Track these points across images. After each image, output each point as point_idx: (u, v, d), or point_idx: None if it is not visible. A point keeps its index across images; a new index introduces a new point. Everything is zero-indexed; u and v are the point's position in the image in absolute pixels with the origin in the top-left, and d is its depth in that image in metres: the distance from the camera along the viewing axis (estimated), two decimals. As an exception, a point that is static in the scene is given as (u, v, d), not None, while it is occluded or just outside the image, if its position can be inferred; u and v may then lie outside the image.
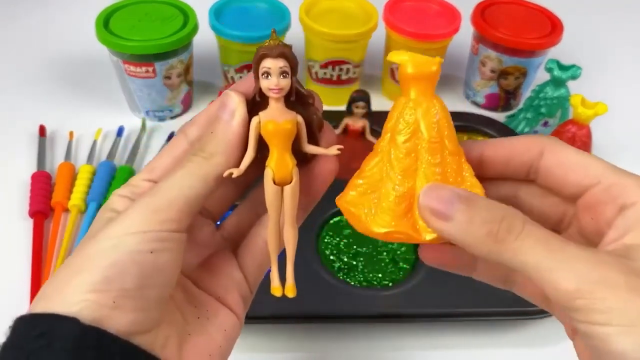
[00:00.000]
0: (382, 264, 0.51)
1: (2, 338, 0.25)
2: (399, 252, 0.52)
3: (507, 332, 0.50)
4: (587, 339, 0.21)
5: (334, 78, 0.68)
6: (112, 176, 0.58)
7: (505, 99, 0.72)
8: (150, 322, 0.24)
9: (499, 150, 0.27)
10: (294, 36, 0.66)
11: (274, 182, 0.25)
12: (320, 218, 0.52)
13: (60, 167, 0.58)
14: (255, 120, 0.25)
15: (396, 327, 0.49)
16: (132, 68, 0.61)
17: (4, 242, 0.53)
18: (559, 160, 0.25)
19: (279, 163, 0.25)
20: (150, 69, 0.61)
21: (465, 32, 0.70)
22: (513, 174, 0.27)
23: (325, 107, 0.76)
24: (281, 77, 0.25)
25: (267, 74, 0.25)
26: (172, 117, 0.68)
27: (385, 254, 0.51)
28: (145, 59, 0.60)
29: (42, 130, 0.63)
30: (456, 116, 0.59)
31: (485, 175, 0.27)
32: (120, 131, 0.63)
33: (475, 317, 0.48)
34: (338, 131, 0.62)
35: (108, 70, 0.66)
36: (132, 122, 0.66)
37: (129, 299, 0.23)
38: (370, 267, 0.50)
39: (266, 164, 0.26)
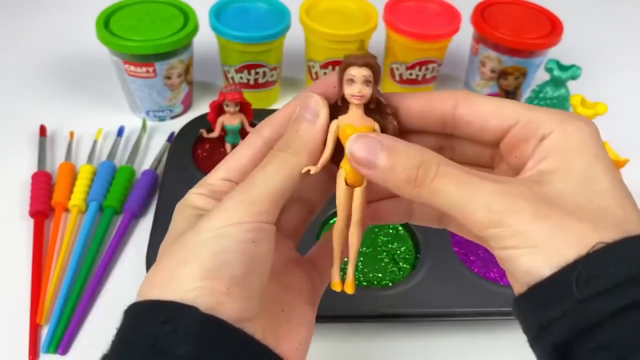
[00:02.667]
0: (382, 264, 0.51)
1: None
2: (399, 252, 0.52)
3: (507, 332, 0.50)
4: (502, 262, 0.23)
5: (334, 78, 0.68)
6: (112, 176, 0.58)
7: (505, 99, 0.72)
8: (254, 310, 0.24)
9: (413, 104, 0.27)
10: (294, 36, 0.67)
11: (346, 183, 0.27)
12: (321, 218, 0.52)
13: (61, 167, 0.58)
14: (334, 123, 0.27)
15: (396, 327, 0.49)
16: (132, 68, 0.61)
17: (5, 242, 0.53)
18: (473, 110, 0.26)
19: None
20: (151, 69, 0.61)
21: (465, 33, 0.70)
22: (429, 126, 0.28)
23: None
24: (364, 85, 0.26)
25: (352, 81, 0.26)
26: (173, 117, 0.68)
27: (385, 253, 0.52)
28: (146, 59, 0.61)
29: (42, 130, 0.63)
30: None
31: (405, 130, 0.28)
32: (120, 131, 0.63)
33: (475, 317, 0.48)
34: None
35: (108, 70, 0.66)
36: (132, 122, 0.66)
37: (238, 286, 0.23)
38: (370, 266, 0.50)
39: (340, 165, 0.27)
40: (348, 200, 0.27)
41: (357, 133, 0.26)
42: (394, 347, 0.48)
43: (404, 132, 0.28)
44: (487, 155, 0.28)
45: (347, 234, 0.27)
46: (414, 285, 0.48)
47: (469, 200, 0.23)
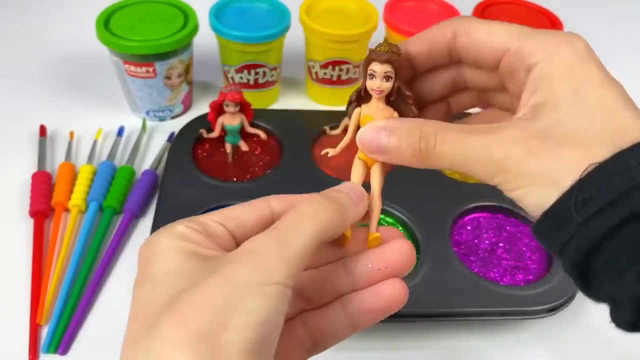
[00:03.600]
0: (382, 264, 0.51)
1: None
2: (399, 252, 0.52)
3: (507, 332, 0.50)
4: (516, 202, 0.25)
5: (334, 78, 0.69)
6: (112, 176, 0.58)
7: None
8: None
9: (419, 45, 0.29)
10: (294, 36, 0.67)
11: (365, 165, 0.31)
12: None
13: (61, 167, 0.58)
14: (357, 111, 0.30)
15: (396, 326, 0.49)
16: (132, 68, 0.61)
17: (5, 242, 0.53)
18: (470, 39, 0.27)
19: None
20: (151, 69, 0.61)
21: (465, 32, 0.70)
22: (440, 60, 0.29)
23: (326, 107, 0.77)
24: (384, 80, 0.28)
25: (373, 76, 0.28)
26: (173, 117, 0.68)
27: (385, 253, 0.52)
28: (146, 59, 0.61)
29: (42, 130, 0.63)
30: (456, 116, 0.59)
31: (420, 71, 0.30)
32: (120, 131, 0.63)
33: (475, 317, 0.48)
34: (338, 131, 0.62)
35: (108, 70, 0.66)
36: (132, 122, 0.66)
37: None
38: (371, 266, 0.50)
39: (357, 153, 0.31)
40: (361, 177, 0.30)
41: (362, 128, 0.28)
42: (394, 347, 0.48)
43: (423, 105, 0.30)
44: (495, 81, 0.29)
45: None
46: (413, 285, 0.48)
47: (469, 158, 0.25)
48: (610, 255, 0.22)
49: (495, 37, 0.26)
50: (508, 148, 0.24)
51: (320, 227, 0.24)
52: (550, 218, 0.23)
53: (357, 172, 0.30)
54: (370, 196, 0.30)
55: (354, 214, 0.26)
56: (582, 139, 0.23)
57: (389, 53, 0.28)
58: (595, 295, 0.23)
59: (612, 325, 0.23)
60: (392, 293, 0.28)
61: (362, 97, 0.30)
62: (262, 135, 0.61)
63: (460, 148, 0.25)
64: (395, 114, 0.29)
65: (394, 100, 0.29)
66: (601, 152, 0.22)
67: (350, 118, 0.30)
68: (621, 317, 0.22)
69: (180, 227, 0.24)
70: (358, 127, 0.29)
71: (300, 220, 0.23)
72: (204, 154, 0.60)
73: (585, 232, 0.22)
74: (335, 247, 0.29)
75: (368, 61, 0.28)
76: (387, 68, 0.28)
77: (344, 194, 0.27)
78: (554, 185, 0.23)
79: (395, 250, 0.28)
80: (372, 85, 0.28)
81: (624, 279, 0.21)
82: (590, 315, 0.51)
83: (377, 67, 0.28)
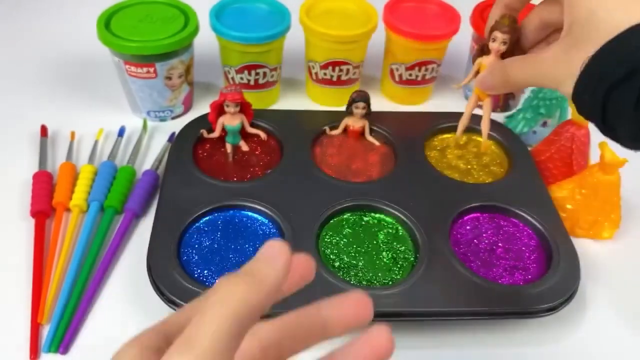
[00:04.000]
0: (382, 263, 0.51)
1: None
2: (399, 252, 0.52)
3: (506, 331, 0.50)
4: (566, 95, 0.35)
5: (334, 79, 0.69)
6: (113, 176, 0.58)
7: (504, 99, 0.72)
8: None
9: (533, 21, 0.42)
10: (295, 37, 0.67)
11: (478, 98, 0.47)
12: (321, 217, 0.53)
13: (62, 167, 0.58)
14: (479, 60, 0.45)
15: (396, 326, 0.49)
16: (133, 68, 0.62)
17: (6, 242, 0.53)
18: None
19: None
20: (151, 69, 0.62)
21: (465, 33, 0.70)
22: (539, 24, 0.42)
23: (326, 108, 0.77)
24: (502, 44, 0.43)
25: (495, 40, 0.43)
26: (173, 118, 0.68)
27: (385, 253, 0.52)
28: (146, 59, 0.61)
29: (43, 130, 0.63)
30: (455, 116, 0.59)
31: (526, 31, 0.43)
32: (121, 131, 0.64)
33: (476, 316, 0.48)
34: (338, 131, 0.62)
35: (109, 70, 0.66)
36: (133, 123, 0.66)
37: None
38: (370, 266, 0.51)
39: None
40: (474, 105, 0.48)
41: (481, 72, 0.44)
42: (394, 346, 0.48)
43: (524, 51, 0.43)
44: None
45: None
46: (413, 285, 0.48)
47: (532, 74, 0.38)
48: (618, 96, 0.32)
49: None
50: (553, 59, 0.36)
51: (231, 313, 0.19)
52: (593, 64, 0.33)
53: (471, 102, 0.48)
54: (483, 118, 0.48)
55: (275, 280, 0.22)
56: (597, 33, 0.33)
57: (509, 26, 0.42)
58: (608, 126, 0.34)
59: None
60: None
61: (483, 51, 0.45)
62: (263, 135, 0.61)
63: (524, 70, 0.39)
64: (504, 61, 0.42)
65: (506, 56, 0.42)
66: (595, 42, 0.33)
67: (474, 63, 0.46)
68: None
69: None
70: (477, 72, 0.45)
71: (203, 313, 0.19)
72: (205, 154, 0.60)
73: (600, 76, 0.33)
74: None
75: (493, 28, 0.43)
76: (505, 37, 0.42)
77: (259, 264, 0.22)
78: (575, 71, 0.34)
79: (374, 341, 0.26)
80: (493, 46, 0.43)
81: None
82: (589, 315, 0.52)
83: (499, 35, 0.42)
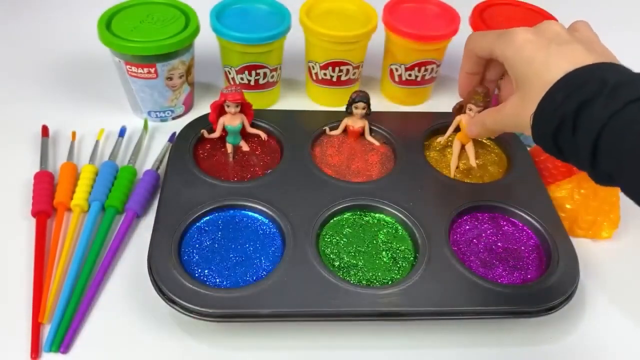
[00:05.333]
0: (382, 263, 0.51)
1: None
2: (398, 251, 0.52)
3: (507, 330, 0.50)
4: (526, 135, 0.45)
5: (334, 79, 0.69)
6: (114, 176, 0.58)
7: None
8: None
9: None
10: (295, 37, 0.67)
11: (461, 144, 0.60)
12: (321, 217, 0.53)
13: (63, 167, 0.59)
14: (458, 118, 0.60)
15: (396, 326, 0.50)
16: (133, 69, 0.62)
17: (7, 242, 0.54)
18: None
19: None
20: (152, 70, 0.62)
21: (464, 34, 0.70)
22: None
23: (326, 108, 0.77)
24: (477, 112, 0.55)
25: (471, 109, 0.56)
26: (174, 118, 0.69)
27: (385, 252, 0.52)
28: (147, 60, 0.61)
29: (44, 130, 0.63)
30: (458, 110, 0.59)
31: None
32: (122, 131, 0.64)
33: (475, 315, 0.48)
34: (338, 132, 0.63)
35: (110, 71, 0.66)
36: (134, 123, 0.66)
37: None
38: (370, 265, 0.51)
39: (456, 136, 0.61)
40: (459, 150, 0.60)
41: (468, 123, 0.55)
42: (394, 346, 0.49)
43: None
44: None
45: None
46: (413, 284, 0.48)
47: (504, 126, 0.47)
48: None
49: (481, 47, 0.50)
50: (513, 113, 0.44)
51: None
52: (537, 117, 0.41)
53: (456, 148, 0.60)
54: (470, 158, 0.60)
55: None
56: (534, 90, 0.41)
57: (483, 101, 0.54)
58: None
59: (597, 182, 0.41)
60: None
61: (461, 110, 0.58)
62: (263, 135, 0.61)
63: (495, 120, 0.48)
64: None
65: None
66: (535, 101, 0.41)
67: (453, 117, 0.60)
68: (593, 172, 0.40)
69: None
70: (456, 127, 0.60)
71: None
72: (205, 154, 0.60)
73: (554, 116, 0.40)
74: None
75: (469, 100, 0.55)
76: (479, 109, 0.54)
77: None
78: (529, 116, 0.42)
79: None
80: (470, 113, 0.56)
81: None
82: (588, 314, 0.52)
83: (474, 107, 0.55)
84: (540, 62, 0.41)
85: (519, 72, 0.43)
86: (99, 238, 0.53)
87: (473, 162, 0.60)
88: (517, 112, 0.43)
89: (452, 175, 0.59)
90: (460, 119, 0.58)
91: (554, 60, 0.40)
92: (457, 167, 0.61)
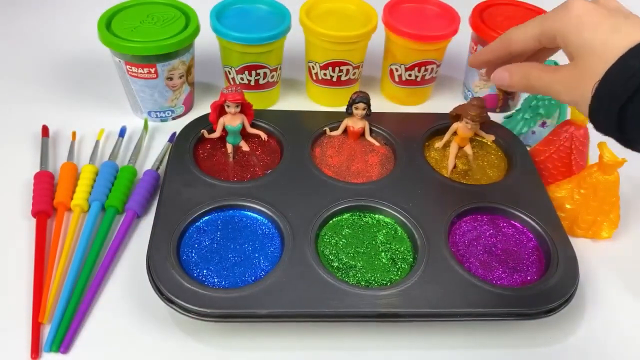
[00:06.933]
0: (381, 264, 0.51)
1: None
2: (398, 252, 0.52)
3: (507, 332, 0.50)
4: (575, 105, 0.40)
5: (334, 79, 0.69)
6: (114, 176, 0.58)
7: (503, 99, 0.73)
8: None
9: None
10: (295, 38, 0.67)
11: (459, 146, 0.61)
12: (320, 218, 0.53)
13: (63, 167, 0.59)
14: (455, 124, 0.60)
15: (394, 327, 0.50)
16: (134, 69, 0.62)
17: (7, 242, 0.54)
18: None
19: None
20: (152, 70, 0.62)
21: (464, 34, 0.70)
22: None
23: (326, 108, 0.77)
24: (477, 124, 0.59)
25: (467, 123, 0.58)
26: (174, 118, 0.69)
27: (383, 253, 0.52)
28: (147, 60, 0.61)
29: (44, 130, 0.63)
30: (454, 117, 0.59)
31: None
32: (122, 131, 0.64)
33: (475, 317, 0.48)
34: (338, 132, 0.63)
35: (110, 71, 0.66)
36: (134, 123, 0.66)
37: None
38: (369, 266, 0.51)
39: (454, 139, 0.61)
40: (456, 151, 0.60)
41: (501, 68, 0.46)
42: (393, 347, 0.49)
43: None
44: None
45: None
46: (412, 286, 0.48)
47: (549, 91, 0.42)
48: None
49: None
50: (566, 84, 0.40)
51: None
52: (602, 86, 0.37)
53: (453, 150, 0.60)
54: (471, 157, 0.61)
55: None
56: (599, 58, 0.38)
57: (479, 117, 0.57)
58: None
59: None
60: None
61: (458, 117, 0.59)
62: (263, 135, 0.61)
63: (541, 80, 0.42)
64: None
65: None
66: (599, 70, 0.37)
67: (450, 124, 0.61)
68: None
69: None
70: (453, 133, 0.60)
71: None
72: (205, 154, 0.60)
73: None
74: None
75: (465, 115, 0.57)
76: (475, 124, 0.57)
77: None
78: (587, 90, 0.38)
79: None
80: (467, 126, 0.58)
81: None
82: (588, 316, 0.52)
83: (471, 122, 0.57)
84: (607, 30, 0.38)
85: (580, 41, 0.39)
86: (99, 238, 0.53)
87: (472, 162, 0.61)
88: (572, 81, 0.40)
89: (447, 174, 0.60)
90: (457, 126, 0.59)
91: (624, 29, 0.38)
92: (455, 167, 0.61)
